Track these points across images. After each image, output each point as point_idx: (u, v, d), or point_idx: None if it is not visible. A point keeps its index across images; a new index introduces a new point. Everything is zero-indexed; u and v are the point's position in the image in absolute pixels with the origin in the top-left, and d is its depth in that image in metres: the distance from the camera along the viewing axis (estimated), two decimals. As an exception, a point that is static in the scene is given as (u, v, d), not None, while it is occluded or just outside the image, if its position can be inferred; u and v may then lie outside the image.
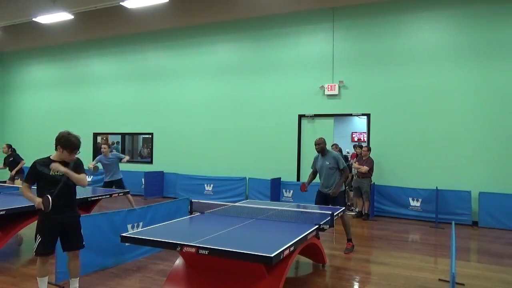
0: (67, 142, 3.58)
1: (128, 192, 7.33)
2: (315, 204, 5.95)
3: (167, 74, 11.85)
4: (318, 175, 6.11)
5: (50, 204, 3.46)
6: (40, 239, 3.55)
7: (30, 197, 3.58)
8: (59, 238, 3.70)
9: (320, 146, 5.88)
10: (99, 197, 6.20)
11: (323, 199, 5.93)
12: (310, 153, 9.26)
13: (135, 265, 5.00)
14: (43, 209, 3.47)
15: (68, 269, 3.81)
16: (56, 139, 3.62)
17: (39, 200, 3.49)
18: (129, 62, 12.47)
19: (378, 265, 5.28)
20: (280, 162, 10.23)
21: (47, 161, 3.62)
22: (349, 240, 5.95)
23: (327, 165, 5.85)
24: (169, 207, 6.06)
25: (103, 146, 7.87)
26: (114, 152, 8.06)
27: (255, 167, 10.43)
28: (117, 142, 13.38)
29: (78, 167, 3.77)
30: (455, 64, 8.63)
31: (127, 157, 8.09)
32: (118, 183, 7.86)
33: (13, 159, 9.57)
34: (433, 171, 8.67)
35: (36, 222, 3.71)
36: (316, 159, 6.09)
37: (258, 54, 10.65)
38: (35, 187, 3.68)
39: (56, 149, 3.65)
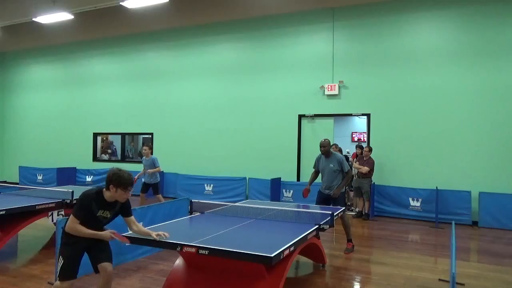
0: (121, 180, 3.21)
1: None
2: (316, 204, 5.94)
3: (167, 74, 11.84)
4: (320, 175, 6.11)
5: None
6: (62, 262, 3.25)
7: (94, 234, 3.23)
8: (89, 259, 3.41)
9: (326, 148, 5.84)
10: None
11: (324, 199, 5.93)
12: (310, 153, 9.29)
13: (135, 265, 5.00)
14: (114, 238, 3.26)
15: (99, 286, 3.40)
16: (107, 178, 3.25)
17: (108, 234, 3.27)
18: (129, 62, 12.47)
19: (378, 265, 5.28)
20: (280, 162, 10.23)
21: (100, 199, 3.27)
22: (349, 240, 5.95)
23: (331, 167, 5.83)
24: (169, 207, 6.05)
25: (144, 148, 8.17)
26: (154, 156, 8.18)
27: (255, 167, 10.43)
28: (111, 143, 13.39)
29: (127, 208, 3.48)
30: (455, 64, 8.63)
31: (153, 170, 8.04)
32: (154, 187, 8.11)
33: None
34: (433, 171, 8.67)
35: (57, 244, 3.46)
36: (318, 160, 6.07)
37: (258, 54, 10.65)
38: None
39: (107, 188, 3.25)
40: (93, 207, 3.23)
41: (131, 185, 3.28)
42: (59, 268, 3.26)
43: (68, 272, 3.26)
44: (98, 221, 3.31)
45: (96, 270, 3.37)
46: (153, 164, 8.07)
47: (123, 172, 3.26)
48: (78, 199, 3.27)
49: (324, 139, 5.91)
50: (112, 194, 3.25)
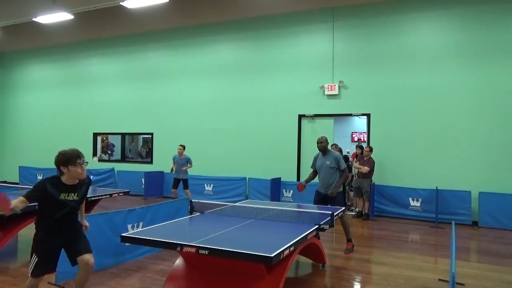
0: (65, 156, 3.20)
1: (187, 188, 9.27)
2: (314, 204, 5.94)
3: (167, 74, 11.85)
4: (317, 175, 6.11)
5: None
6: (36, 260, 3.20)
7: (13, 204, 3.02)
8: (66, 254, 3.36)
9: (323, 144, 5.90)
10: (99, 197, 6.20)
11: (321, 199, 5.92)
12: (310, 153, 9.26)
13: (135, 265, 5.00)
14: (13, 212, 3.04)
15: (77, 278, 3.38)
16: (55, 164, 3.22)
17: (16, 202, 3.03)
18: (129, 62, 12.47)
19: (378, 265, 5.28)
20: (280, 162, 10.22)
21: (57, 183, 3.22)
22: (349, 240, 5.95)
23: (327, 164, 5.84)
24: (169, 207, 6.06)
25: (179, 147, 9.30)
26: (186, 156, 9.38)
27: (255, 167, 10.43)
28: (108, 143, 13.37)
29: (86, 192, 3.46)
30: (455, 64, 8.63)
31: (189, 166, 9.35)
32: (184, 182, 9.27)
33: None
34: (433, 171, 8.67)
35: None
36: (316, 158, 6.08)
37: (258, 54, 10.65)
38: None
39: (60, 172, 3.22)
40: (49, 189, 3.15)
41: (79, 157, 3.24)
42: (32, 266, 3.20)
43: (41, 270, 3.24)
44: (64, 204, 3.24)
45: (74, 263, 3.33)
46: (187, 162, 9.23)
47: (65, 150, 3.24)
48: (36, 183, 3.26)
49: (322, 136, 5.99)
50: (67, 174, 3.21)
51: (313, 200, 6.03)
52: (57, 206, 3.22)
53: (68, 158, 3.19)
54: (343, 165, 5.89)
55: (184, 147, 9.35)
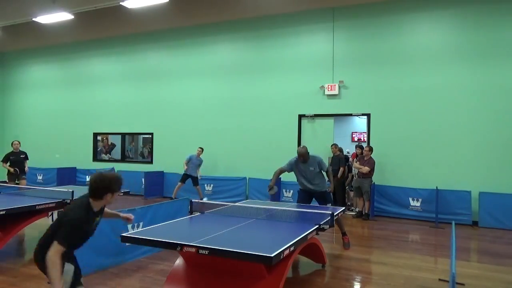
0: (120, 183, 2.83)
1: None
2: (297, 202, 5.99)
3: (167, 74, 11.84)
4: (297, 178, 6.15)
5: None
6: None
7: (58, 277, 2.54)
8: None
9: (304, 157, 5.83)
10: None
11: (309, 195, 6.02)
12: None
13: (135, 265, 5.00)
14: None
15: None
16: (102, 187, 2.75)
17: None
18: (129, 62, 12.47)
19: (378, 265, 5.28)
20: (280, 162, 10.07)
21: (87, 217, 2.77)
22: (344, 233, 5.97)
23: (311, 170, 5.89)
24: (169, 207, 6.06)
25: (198, 148, 10.31)
26: (201, 158, 10.34)
27: (255, 167, 10.43)
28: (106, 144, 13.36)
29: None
30: (456, 64, 8.63)
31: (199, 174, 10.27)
32: (194, 179, 10.04)
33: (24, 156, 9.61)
34: (433, 171, 8.67)
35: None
36: (296, 164, 6.00)
37: (258, 54, 10.64)
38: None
39: (101, 197, 2.78)
40: (87, 227, 2.80)
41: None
42: None
43: None
44: (92, 232, 2.92)
45: None
46: (200, 164, 10.18)
47: (114, 174, 2.87)
48: (68, 222, 2.64)
49: (302, 147, 5.88)
50: (106, 201, 2.85)
51: (298, 199, 6.09)
52: (87, 236, 2.86)
53: (119, 186, 2.82)
54: (325, 166, 6.03)
55: (202, 150, 10.29)
